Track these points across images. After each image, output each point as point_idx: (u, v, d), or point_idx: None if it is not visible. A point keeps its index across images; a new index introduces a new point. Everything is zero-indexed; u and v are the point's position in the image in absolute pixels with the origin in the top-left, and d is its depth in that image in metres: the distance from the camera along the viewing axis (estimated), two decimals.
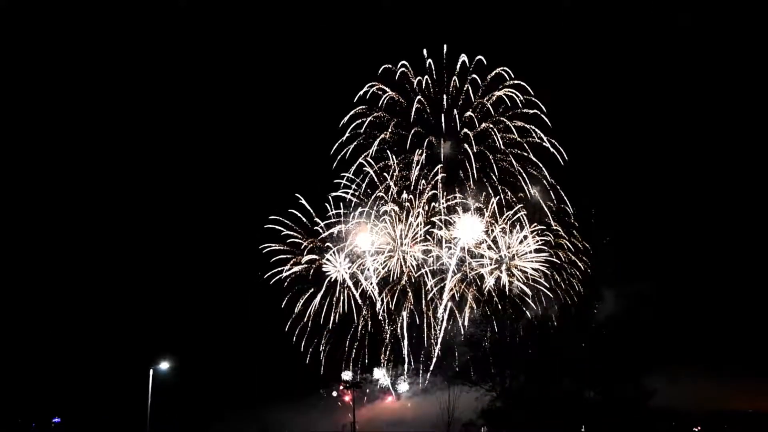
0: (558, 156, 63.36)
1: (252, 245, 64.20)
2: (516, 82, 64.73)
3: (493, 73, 64.79)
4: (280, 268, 63.95)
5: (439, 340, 63.29)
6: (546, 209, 63.68)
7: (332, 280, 63.77)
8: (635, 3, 73.41)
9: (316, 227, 64.75)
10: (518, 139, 63.87)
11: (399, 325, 63.48)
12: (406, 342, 64.04)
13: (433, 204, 64.09)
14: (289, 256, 64.24)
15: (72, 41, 69.95)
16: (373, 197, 64.48)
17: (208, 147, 73.27)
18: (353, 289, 63.60)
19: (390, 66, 66.17)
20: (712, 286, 64.77)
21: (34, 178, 68.42)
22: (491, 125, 64.49)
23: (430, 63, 66.19)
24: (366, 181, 65.15)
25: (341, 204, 64.62)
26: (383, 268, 63.32)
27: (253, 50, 75.47)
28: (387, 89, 66.34)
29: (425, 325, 63.53)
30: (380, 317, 63.92)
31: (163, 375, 55.44)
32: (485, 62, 65.20)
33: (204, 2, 74.38)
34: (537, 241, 63.35)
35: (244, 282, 64.35)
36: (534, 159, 63.79)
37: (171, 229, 67.29)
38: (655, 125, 71.40)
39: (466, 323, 62.93)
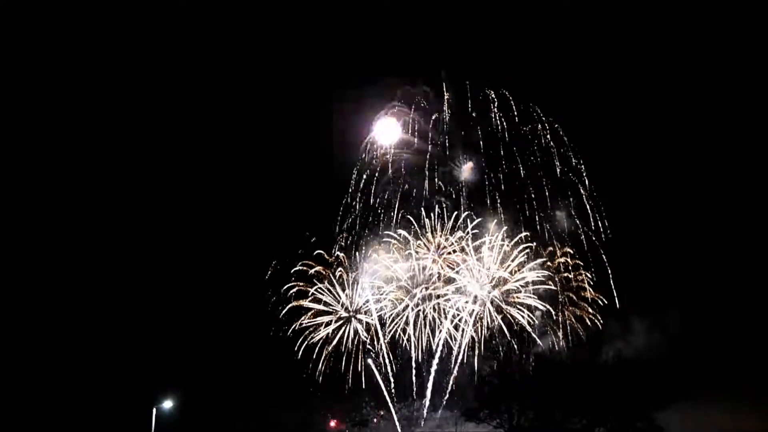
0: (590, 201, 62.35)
1: (258, 283, 63.11)
2: (543, 117, 64.31)
3: (519, 110, 64.49)
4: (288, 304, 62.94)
5: (452, 377, 62.00)
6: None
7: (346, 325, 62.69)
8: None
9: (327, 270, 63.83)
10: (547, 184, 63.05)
11: (414, 360, 62.23)
12: (419, 377, 62.82)
13: (449, 243, 62.68)
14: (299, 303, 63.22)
15: (72, 41, 69.12)
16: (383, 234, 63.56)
17: (208, 152, 71.26)
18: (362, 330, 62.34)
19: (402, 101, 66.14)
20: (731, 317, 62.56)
21: (33, 202, 66.97)
22: (520, 167, 63.61)
23: (448, 98, 65.85)
24: (377, 219, 64.38)
25: (353, 245, 63.77)
26: (397, 309, 62.12)
27: (255, 56, 73.32)
28: (400, 126, 66.17)
29: (437, 361, 62.19)
30: (388, 355, 62.70)
31: (166, 414, 55.14)
32: (509, 95, 64.80)
33: (204, 3, 73.30)
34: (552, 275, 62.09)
35: (254, 324, 63.12)
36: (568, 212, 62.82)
37: (176, 265, 65.94)
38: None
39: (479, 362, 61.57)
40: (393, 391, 62.76)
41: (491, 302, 61.27)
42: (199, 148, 71.35)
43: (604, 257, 61.49)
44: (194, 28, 72.28)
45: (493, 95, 64.50)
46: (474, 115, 64.75)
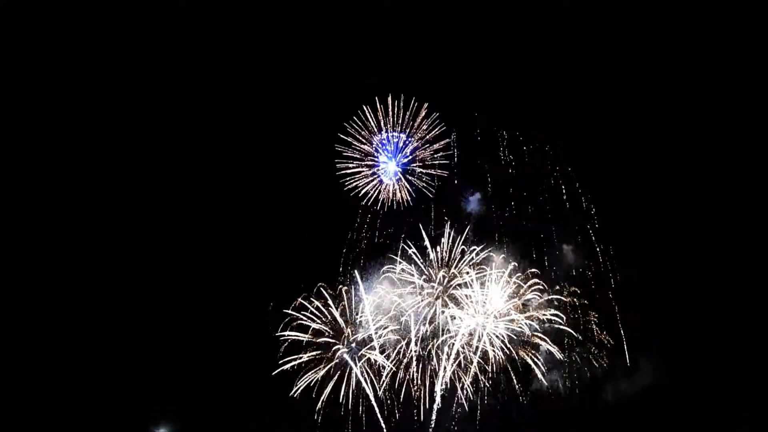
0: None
1: (258, 316, 61.79)
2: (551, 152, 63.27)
3: (529, 149, 63.45)
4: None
5: (454, 414, 61.24)
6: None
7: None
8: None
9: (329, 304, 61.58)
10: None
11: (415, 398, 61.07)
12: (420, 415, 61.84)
13: (451, 276, 61.27)
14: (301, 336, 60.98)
15: (72, 41, 67.88)
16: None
17: (207, 164, 69.78)
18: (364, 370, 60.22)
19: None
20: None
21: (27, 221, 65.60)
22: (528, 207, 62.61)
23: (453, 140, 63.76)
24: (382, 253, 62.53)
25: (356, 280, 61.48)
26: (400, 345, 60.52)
27: (255, 57, 71.67)
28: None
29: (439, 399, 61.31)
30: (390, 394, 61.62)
31: None
32: (520, 137, 63.63)
33: (204, 3, 71.53)
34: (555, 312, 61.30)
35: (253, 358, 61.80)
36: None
37: (173, 293, 64.60)
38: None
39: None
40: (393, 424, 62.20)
41: (495, 338, 60.47)
42: (198, 157, 70.05)
43: (611, 297, 61.12)
44: (194, 28, 70.90)
45: (504, 134, 63.41)
46: (482, 148, 64.03)
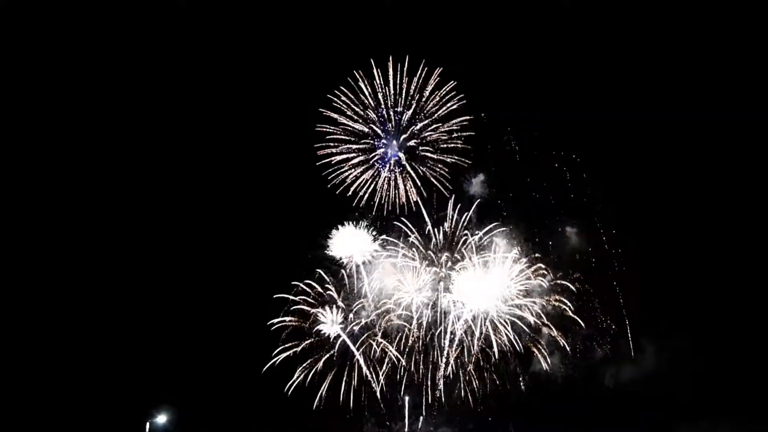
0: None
1: (259, 303, 60.85)
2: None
3: (533, 135, 60.56)
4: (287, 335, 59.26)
5: (455, 396, 60.63)
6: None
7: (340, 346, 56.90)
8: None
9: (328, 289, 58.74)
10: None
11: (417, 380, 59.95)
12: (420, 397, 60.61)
13: (453, 260, 60.20)
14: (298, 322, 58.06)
15: (72, 41, 68.24)
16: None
17: (208, 160, 68.94)
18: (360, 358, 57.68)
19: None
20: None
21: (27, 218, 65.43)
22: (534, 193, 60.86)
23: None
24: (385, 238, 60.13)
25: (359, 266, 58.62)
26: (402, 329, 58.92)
27: (255, 57, 71.61)
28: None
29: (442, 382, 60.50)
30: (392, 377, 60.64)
31: (160, 429, 53.88)
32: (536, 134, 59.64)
33: (204, 3, 72.11)
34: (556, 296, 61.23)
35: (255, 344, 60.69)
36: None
37: (174, 279, 63.93)
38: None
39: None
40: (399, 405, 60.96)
41: (498, 321, 60.27)
42: (198, 154, 69.84)
43: (615, 282, 61.04)
44: (194, 28, 71.26)
45: (509, 119, 62.83)
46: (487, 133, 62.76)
